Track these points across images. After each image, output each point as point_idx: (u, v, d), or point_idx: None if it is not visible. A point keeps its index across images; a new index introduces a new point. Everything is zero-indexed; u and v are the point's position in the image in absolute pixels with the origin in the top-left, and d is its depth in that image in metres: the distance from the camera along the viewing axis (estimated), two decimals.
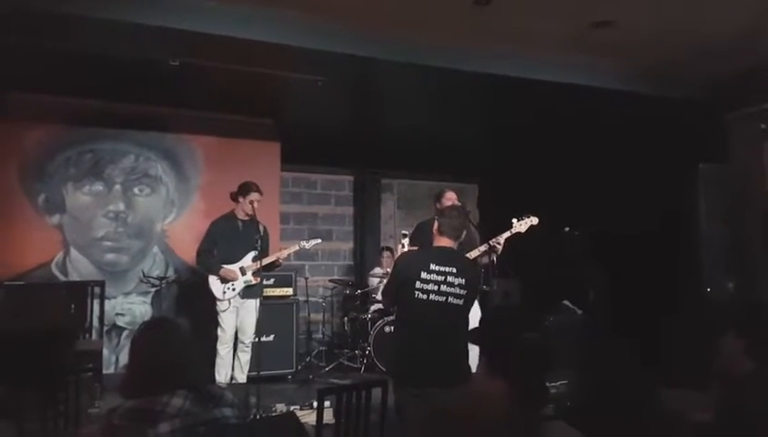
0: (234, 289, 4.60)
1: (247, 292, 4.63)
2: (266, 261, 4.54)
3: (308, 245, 4.90)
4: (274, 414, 3.81)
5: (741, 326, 2.10)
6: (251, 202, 4.62)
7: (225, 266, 4.61)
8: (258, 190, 4.69)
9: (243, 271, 4.63)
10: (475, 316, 4.38)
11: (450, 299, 2.78)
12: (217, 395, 1.70)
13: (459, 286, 2.79)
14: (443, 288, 2.78)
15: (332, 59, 4.28)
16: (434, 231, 2.96)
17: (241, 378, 4.63)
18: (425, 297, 2.77)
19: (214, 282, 4.61)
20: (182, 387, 1.61)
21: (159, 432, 1.51)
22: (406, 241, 3.99)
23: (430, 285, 2.78)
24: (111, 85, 5.20)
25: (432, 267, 2.79)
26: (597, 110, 5.14)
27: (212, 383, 3.57)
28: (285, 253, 4.79)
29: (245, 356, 4.67)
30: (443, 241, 2.91)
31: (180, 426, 1.53)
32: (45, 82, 5.24)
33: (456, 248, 2.96)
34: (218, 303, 4.60)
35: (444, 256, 2.85)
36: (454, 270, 2.80)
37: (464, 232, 3.02)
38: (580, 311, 5.64)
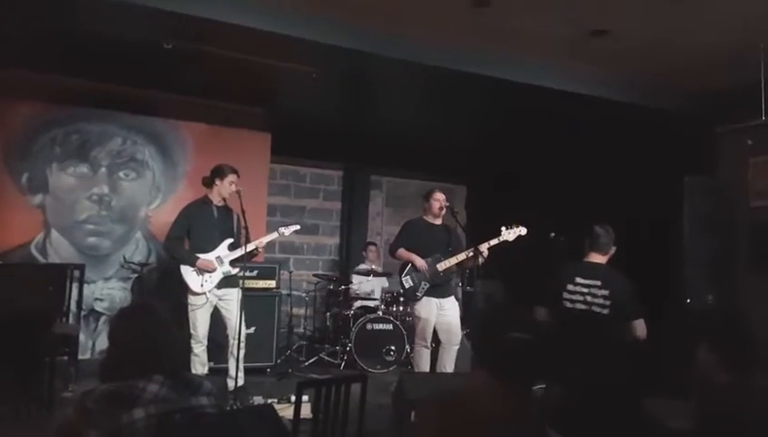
0: (212, 282, 4.22)
1: (224, 282, 4.27)
2: (246, 249, 4.24)
3: (286, 232, 4.51)
4: (252, 405, 3.77)
5: (718, 337, 2.12)
6: (231, 183, 4.27)
7: (200, 255, 4.22)
8: (235, 171, 4.33)
9: (220, 261, 4.25)
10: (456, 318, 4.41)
11: (594, 308, 3.11)
12: (195, 383, 1.67)
13: (603, 297, 3.11)
14: (588, 298, 3.13)
15: (329, 51, 4.25)
16: (585, 246, 3.32)
17: (239, 377, 4.24)
18: (571, 306, 3.16)
19: (189, 274, 4.19)
20: (159, 373, 1.59)
21: (134, 418, 1.48)
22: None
23: (576, 296, 3.15)
24: (101, 65, 5.11)
25: (578, 280, 3.16)
26: (588, 118, 5.17)
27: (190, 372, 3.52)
28: (264, 240, 4.40)
29: (240, 352, 4.17)
30: (591, 257, 3.28)
31: (155, 412, 1.50)
32: (34, 59, 5.13)
33: (605, 262, 3.29)
34: (192, 298, 4.19)
35: (590, 270, 3.20)
36: (599, 283, 3.13)
37: (612, 249, 3.31)
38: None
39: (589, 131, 5.43)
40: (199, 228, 4.29)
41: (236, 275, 4.29)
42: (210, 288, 4.24)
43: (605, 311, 3.09)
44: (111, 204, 5.78)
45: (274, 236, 4.49)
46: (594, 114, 5.08)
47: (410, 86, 5.35)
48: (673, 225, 4.56)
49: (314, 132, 6.52)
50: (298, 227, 4.65)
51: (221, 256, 4.28)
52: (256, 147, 6.32)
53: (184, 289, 4.27)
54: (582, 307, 3.14)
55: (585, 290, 3.15)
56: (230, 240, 4.32)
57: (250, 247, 4.29)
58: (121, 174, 5.86)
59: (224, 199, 4.37)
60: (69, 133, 5.69)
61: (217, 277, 4.25)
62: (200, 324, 4.23)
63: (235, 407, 3.58)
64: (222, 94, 5.90)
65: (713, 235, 4.67)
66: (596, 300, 3.12)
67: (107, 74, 5.37)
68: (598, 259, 3.27)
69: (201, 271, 4.22)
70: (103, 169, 5.78)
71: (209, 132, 6.17)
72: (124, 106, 5.80)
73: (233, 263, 4.27)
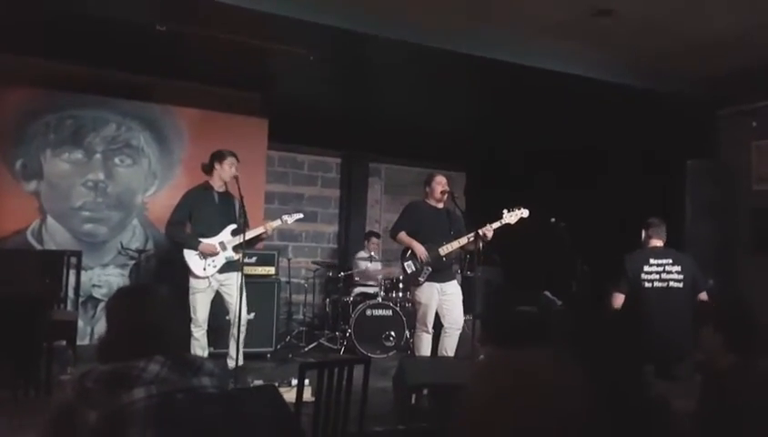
0: (215, 266, 4.23)
1: (226, 267, 4.27)
2: (249, 235, 4.27)
3: (290, 219, 4.51)
4: (254, 385, 3.74)
5: (720, 321, 2.12)
6: (231, 166, 4.25)
7: (204, 240, 4.23)
8: (234, 155, 4.32)
9: (223, 246, 4.26)
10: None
11: (671, 283, 3.61)
12: (196, 364, 1.63)
13: (677, 272, 3.61)
14: (663, 276, 3.60)
15: (326, 33, 4.18)
16: (645, 237, 3.79)
17: (239, 358, 4.25)
18: (649, 285, 3.61)
19: (192, 258, 4.20)
20: (159, 353, 1.55)
21: (134, 398, 1.44)
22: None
23: (653, 275, 3.61)
24: (95, 49, 5.03)
25: (652, 261, 3.63)
26: (590, 101, 5.12)
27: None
28: (271, 226, 4.42)
29: (241, 336, 4.24)
30: (654, 242, 3.76)
31: (156, 392, 1.46)
32: (26, 43, 5.05)
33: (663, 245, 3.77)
34: (194, 282, 4.20)
35: (660, 252, 3.69)
36: (670, 261, 3.64)
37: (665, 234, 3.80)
38: (559, 302, 5.65)
39: (590, 114, 5.38)
40: (201, 213, 4.28)
41: (238, 260, 4.29)
42: (213, 272, 4.24)
43: (680, 285, 3.59)
44: (107, 190, 5.72)
45: (277, 223, 4.49)
46: (596, 97, 5.04)
47: (409, 70, 5.29)
48: (675, 209, 4.53)
49: (312, 118, 6.46)
50: (301, 215, 4.66)
51: (224, 241, 4.28)
52: (253, 133, 6.25)
53: (185, 274, 4.26)
54: (660, 285, 3.60)
55: (660, 269, 3.62)
56: (233, 226, 4.30)
57: (256, 232, 4.31)
58: (116, 160, 5.80)
59: (225, 184, 4.35)
60: (63, 118, 5.62)
61: (220, 262, 4.25)
62: (201, 308, 4.23)
63: (236, 387, 3.55)
64: (218, 79, 5.83)
65: (715, 219, 4.64)
66: (671, 276, 3.61)
67: (101, 58, 5.30)
68: (659, 243, 3.74)
69: (204, 256, 4.22)
70: (98, 155, 5.72)
71: (205, 118, 6.10)
72: (118, 91, 5.72)
73: (236, 249, 4.26)
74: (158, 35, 4.32)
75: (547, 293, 5.78)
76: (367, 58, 5.07)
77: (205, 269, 4.23)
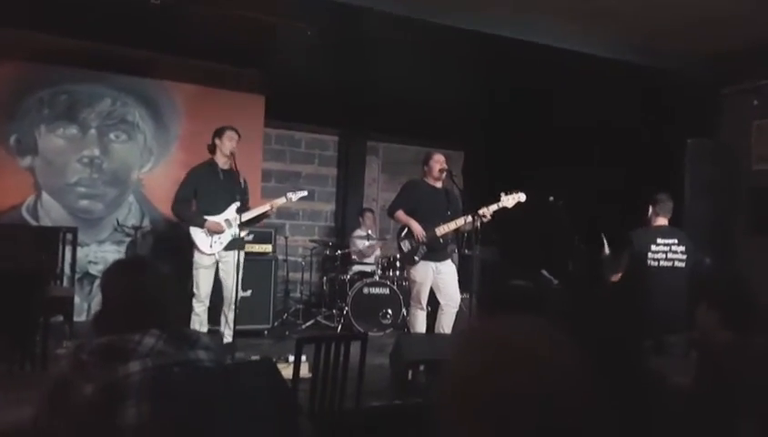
0: (221, 243, 4.28)
1: (231, 245, 4.33)
2: (255, 213, 4.36)
3: (294, 197, 4.57)
4: (251, 359, 3.76)
5: (716, 298, 2.12)
6: (230, 139, 4.28)
7: (209, 218, 4.28)
8: (234, 129, 4.35)
9: (228, 224, 4.30)
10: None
11: (676, 263, 3.72)
12: (192, 337, 1.63)
13: (681, 252, 3.73)
14: (669, 255, 3.71)
15: (324, 6, 4.11)
16: (651, 214, 3.84)
17: (228, 334, 4.36)
18: (656, 264, 3.71)
19: (198, 235, 4.25)
20: (155, 327, 1.54)
21: (129, 370, 1.44)
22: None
23: (659, 254, 3.70)
24: (89, 23, 4.93)
25: (659, 240, 3.71)
26: (590, 78, 5.06)
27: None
28: (276, 204, 4.48)
29: (232, 314, 4.32)
30: (660, 221, 3.81)
31: (152, 365, 1.46)
32: (20, 17, 4.94)
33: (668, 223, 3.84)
34: (198, 257, 4.27)
35: (667, 232, 3.77)
36: (676, 241, 3.72)
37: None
38: (556, 281, 5.66)
39: (590, 92, 5.33)
40: (205, 190, 4.33)
41: (242, 238, 4.37)
42: (219, 249, 4.30)
43: (683, 265, 3.71)
44: (102, 167, 5.68)
45: (282, 201, 4.53)
46: (596, 74, 4.97)
47: (408, 46, 5.20)
48: (674, 188, 4.52)
49: (309, 96, 6.37)
50: (305, 193, 4.74)
51: (230, 218, 4.32)
52: (249, 110, 6.18)
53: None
54: (666, 264, 3.71)
55: (667, 248, 3.72)
56: (238, 204, 4.31)
57: (261, 210, 4.38)
58: (111, 136, 5.74)
59: (229, 159, 4.34)
60: (57, 94, 5.54)
61: (226, 239, 4.31)
62: (204, 284, 4.30)
63: (232, 361, 3.57)
64: (214, 55, 5.74)
65: (714, 198, 4.63)
66: (677, 256, 3.72)
67: (94, 32, 5.19)
68: (664, 222, 3.81)
69: (210, 233, 4.27)
70: (92, 131, 5.65)
71: (201, 94, 6.03)
72: (112, 66, 5.63)
73: (241, 226, 4.30)
74: (153, 9, 4.23)
75: (544, 272, 5.79)
76: (365, 33, 4.99)
77: (211, 246, 4.29)
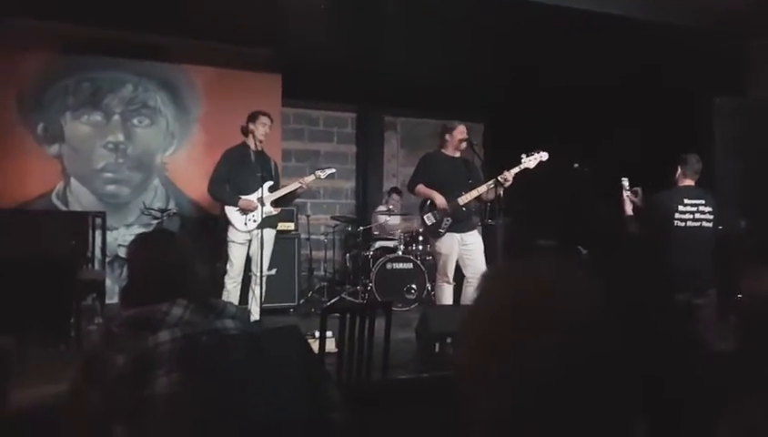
0: (255, 221, 4.44)
1: (264, 222, 4.46)
2: (286, 190, 4.54)
3: (323, 174, 4.76)
4: (277, 327, 3.82)
5: (759, 260, 2.06)
6: (263, 125, 4.48)
7: (243, 197, 4.46)
8: (267, 114, 4.57)
9: (261, 202, 4.45)
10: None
11: (704, 223, 3.73)
12: (219, 307, 1.65)
13: (709, 212, 3.73)
14: (697, 215, 3.72)
15: None
16: (679, 174, 3.82)
17: (256, 311, 4.50)
18: (683, 224, 3.71)
19: (233, 213, 4.45)
20: (181, 297, 1.56)
21: (159, 340, 1.46)
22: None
23: (687, 215, 3.71)
24: (108, 10, 4.97)
25: (686, 201, 3.71)
26: (611, 39, 4.90)
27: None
28: (305, 181, 4.62)
29: (258, 289, 4.48)
30: (687, 181, 3.80)
31: (180, 335, 1.48)
32: (42, 7, 5.01)
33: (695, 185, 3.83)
34: (233, 234, 4.45)
35: (693, 192, 3.77)
36: (703, 202, 3.74)
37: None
38: (585, 251, 5.59)
39: (612, 53, 5.17)
40: (239, 172, 4.51)
41: (276, 216, 4.57)
42: (253, 227, 4.46)
43: (710, 225, 3.73)
44: (127, 152, 5.77)
45: (311, 178, 4.69)
46: (618, 34, 4.81)
47: (424, 17, 5.11)
48: (703, 148, 4.40)
49: (325, 72, 6.34)
50: (334, 170, 4.91)
51: (263, 197, 4.48)
52: (267, 89, 6.18)
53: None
54: (693, 224, 3.71)
55: (694, 209, 3.72)
56: (270, 183, 4.53)
57: (292, 187, 4.57)
58: (135, 121, 5.82)
59: (260, 142, 4.53)
60: (80, 81, 5.63)
61: (259, 217, 4.45)
62: (237, 261, 4.47)
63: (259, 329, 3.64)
64: (231, 35, 5.74)
65: (744, 158, 4.49)
66: (704, 216, 3.73)
67: (114, 19, 5.23)
68: (691, 182, 3.81)
69: (244, 211, 4.44)
70: (116, 117, 5.74)
71: (220, 76, 6.05)
72: (132, 51, 5.70)
73: (273, 204, 4.50)
74: None
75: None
76: (379, 6, 4.91)
77: (246, 224, 4.47)
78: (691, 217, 3.72)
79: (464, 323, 0.72)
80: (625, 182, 4.01)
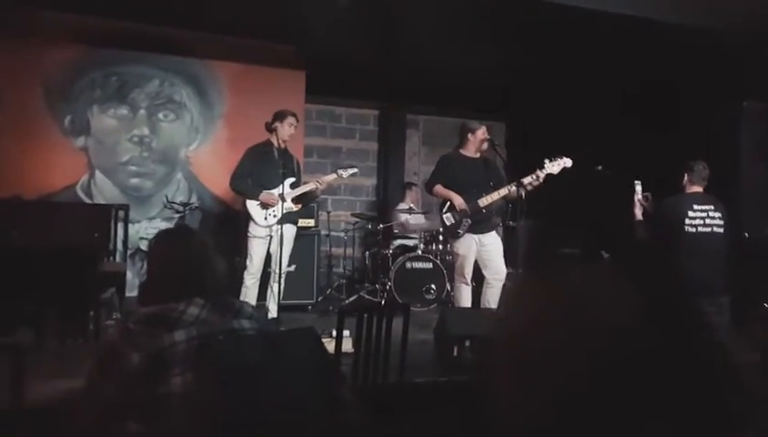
0: (275, 216, 4.43)
1: (284, 218, 4.45)
2: (307, 188, 4.55)
3: (345, 173, 4.77)
4: (294, 328, 3.83)
5: None
6: (290, 125, 4.52)
7: (264, 191, 4.48)
8: (295, 115, 4.60)
9: (282, 198, 4.44)
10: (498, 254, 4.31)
11: (715, 229, 3.74)
12: (236, 306, 1.65)
13: (719, 218, 3.74)
14: (707, 221, 3.72)
15: None
16: (686, 181, 3.83)
17: (273, 308, 4.49)
18: (693, 230, 3.72)
19: (254, 207, 4.47)
20: (199, 296, 1.56)
21: (175, 340, 1.46)
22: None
23: (697, 221, 3.71)
24: (135, 5, 5.02)
25: (696, 207, 3.73)
26: (636, 42, 4.79)
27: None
28: (326, 180, 4.67)
29: (277, 286, 4.46)
30: (695, 188, 3.81)
31: (197, 334, 1.48)
32: (69, 1, 5.07)
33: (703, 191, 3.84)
34: (253, 229, 4.45)
35: (702, 198, 3.78)
36: (712, 207, 3.75)
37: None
38: (606, 254, 5.48)
39: (638, 56, 5.05)
40: (261, 168, 4.53)
41: (296, 212, 4.61)
42: (273, 222, 4.46)
43: (721, 231, 3.72)
44: (152, 145, 5.83)
45: (333, 177, 4.73)
46: (643, 37, 4.70)
47: (448, 15, 5.05)
48: (728, 154, 4.29)
49: (348, 70, 6.33)
50: (356, 169, 4.92)
51: (284, 193, 4.47)
52: (290, 86, 6.20)
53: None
54: (704, 230, 3.70)
55: (704, 215, 3.73)
56: (292, 179, 4.56)
57: (312, 186, 4.58)
58: (160, 115, 5.88)
59: (284, 142, 4.55)
60: (108, 75, 5.71)
61: (280, 212, 4.45)
62: (257, 257, 4.48)
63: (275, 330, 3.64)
64: (255, 31, 5.74)
65: None
66: (714, 222, 3.73)
67: (142, 13, 5.28)
68: (699, 189, 3.82)
69: (265, 206, 4.45)
70: (142, 111, 5.80)
71: (244, 72, 6.08)
72: (158, 46, 5.75)
73: (294, 200, 4.53)
74: None
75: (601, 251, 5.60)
76: (402, 3, 4.87)
77: (266, 219, 4.48)
78: (701, 222, 3.72)
79: (495, 334, 0.69)
80: (638, 186, 3.94)
